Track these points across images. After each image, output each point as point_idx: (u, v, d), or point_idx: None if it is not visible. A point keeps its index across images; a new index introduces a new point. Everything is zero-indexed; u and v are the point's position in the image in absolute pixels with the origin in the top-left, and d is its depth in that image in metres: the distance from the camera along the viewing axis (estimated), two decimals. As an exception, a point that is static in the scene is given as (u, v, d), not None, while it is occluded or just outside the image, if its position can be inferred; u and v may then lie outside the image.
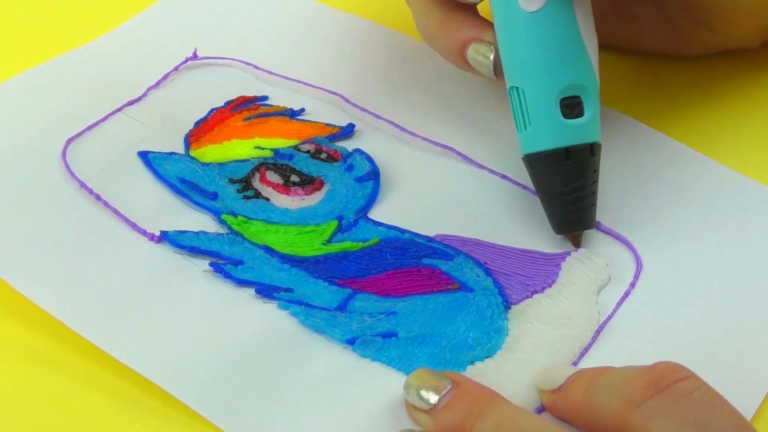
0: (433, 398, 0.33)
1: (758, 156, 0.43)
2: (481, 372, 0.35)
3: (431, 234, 0.40)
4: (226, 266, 0.38)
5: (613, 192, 0.41)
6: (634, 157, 0.43)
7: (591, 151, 0.38)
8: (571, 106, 0.37)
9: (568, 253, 0.39)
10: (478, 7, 0.40)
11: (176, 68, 0.47)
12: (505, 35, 0.38)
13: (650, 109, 0.45)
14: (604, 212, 0.40)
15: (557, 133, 0.37)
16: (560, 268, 0.38)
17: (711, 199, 0.41)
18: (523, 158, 0.39)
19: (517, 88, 0.38)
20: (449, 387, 0.33)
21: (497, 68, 0.39)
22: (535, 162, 0.38)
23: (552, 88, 0.37)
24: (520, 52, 0.37)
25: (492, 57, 0.39)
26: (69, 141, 0.43)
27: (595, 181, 0.38)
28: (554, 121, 0.37)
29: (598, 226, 0.40)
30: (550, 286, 0.38)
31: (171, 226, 0.40)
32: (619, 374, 0.31)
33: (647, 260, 0.38)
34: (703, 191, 0.41)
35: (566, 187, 0.38)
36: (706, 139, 0.44)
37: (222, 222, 0.40)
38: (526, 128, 0.38)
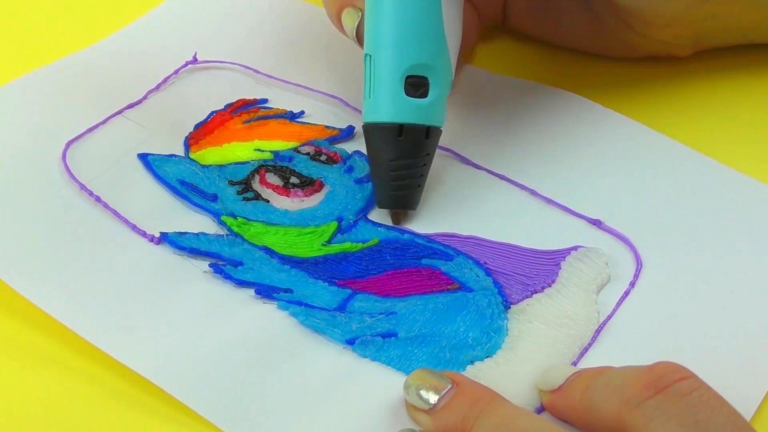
0: (432, 398, 0.33)
1: (758, 154, 0.43)
2: (480, 372, 0.35)
3: (431, 233, 0.40)
4: (225, 267, 0.38)
5: (613, 191, 0.41)
6: (633, 157, 0.43)
7: (426, 133, 0.38)
8: (416, 85, 0.38)
9: (568, 252, 0.39)
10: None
11: (176, 72, 0.47)
12: (370, 4, 0.38)
13: (649, 109, 0.45)
14: (604, 211, 0.40)
15: (395, 108, 0.38)
16: (560, 268, 0.38)
17: (711, 198, 0.41)
18: (362, 126, 0.40)
19: (370, 56, 0.38)
20: (449, 387, 0.33)
21: (359, 35, 0.40)
22: (369, 131, 0.39)
23: (399, 62, 0.38)
24: (378, 22, 0.38)
25: (356, 22, 0.40)
26: (69, 143, 0.43)
27: (426, 164, 0.39)
28: (394, 96, 0.38)
29: (598, 225, 0.40)
30: (549, 285, 0.38)
31: (171, 228, 0.40)
32: (619, 374, 0.31)
33: (647, 259, 0.38)
34: (703, 190, 0.41)
35: (393, 162, 0.38)
36: (706, 138, 0.44)
37: (222, 223, 0.40)
38: (369, 97, 0.39)
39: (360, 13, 0.40)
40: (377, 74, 0.38)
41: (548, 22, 0.47)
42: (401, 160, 0.38)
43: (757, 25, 0.45)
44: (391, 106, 0.38)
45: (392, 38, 0.38)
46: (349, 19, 0.40)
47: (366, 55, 0.39)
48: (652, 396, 0.30)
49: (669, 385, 0.30)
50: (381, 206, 0.40)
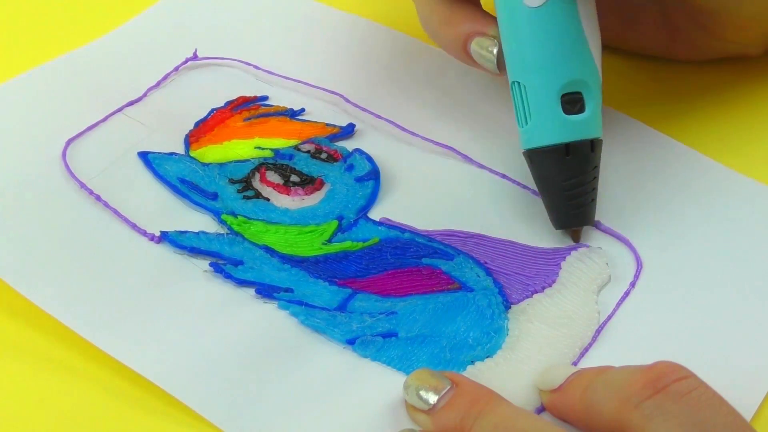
0: (432, 398, 0.33)
1: (758, 155, 0.43)
2: (481, 372, 0.35)
3: (431, 230, 0.40)
4: (226, 266, 0.38)
5: (614, 191, 0.41)
6: (634, 157, 0.43)
7: (591, 147, 0.38)
8: (572, 102, 0.37)
9: (569, 252, 0.39)
10: (482, 2, 0.40)
11: (176, 68, 0.47)
12: (508, 30, 0.38)
13: (650, 109, 0.45)
14: (604, 212, 0.40)
15: (557, 129, 0.37)
16: (560, 268, 0.38)
17: (711, 199, 0.41)
18: (523, 153, 0.39)
19: (518, 83, 0.38)
20: (448, 387, 0.33)
21: (500, 63, 0.39)
22: (535, 157, 0.38)
23: (553, 83, 0.37)
24: (521, 47, 0.37)
25: (495, 51, 0.39)
26: (69, 141, 0.43)
27: (596, 177, 0.38)
28: (555, 117, 0.37)
29: (598, 226, 0.40)
30: (550, 285, 0.38)
31: (171, 227, 0.40)
32: (618, 374, 0.31)
33: (647, 260, 0.38)
34: (703, 191, 0.41)
35: (566, 183, 0.38)
36: (706, 138, 0.44)
37: (222, 222, 0.40)
38: (527, 123, 0.38)
39: (496, 41, 0.39)
40: (531, 99, 0.37)
41: (621, 26, 0.46)
42: (573, 179, 0.38)
43: None
44: (553, 128, 0.37)
45: (541, 61, 0.37)
46: (485, 49, 0.39)
47: (513, 82, 0.38)
48: (652, 396, 0.30)
49: (668, 384, 0.30)
50: (559, 227, 0.39)
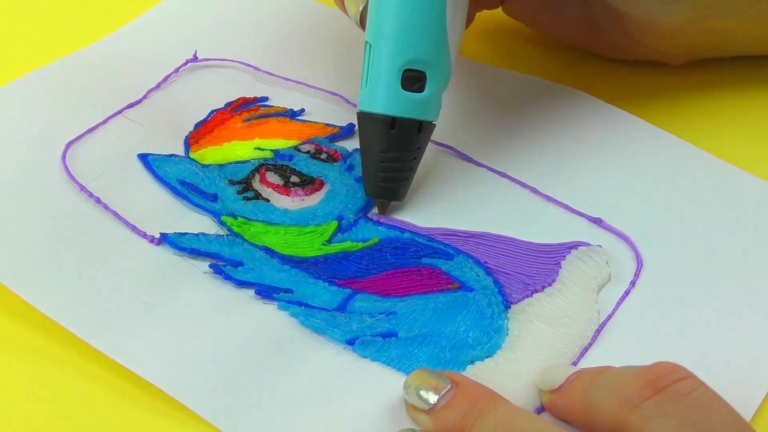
0: (432, 398, 0.33)
1: (759, 152, 0.43)
2: (480, 372, 0.35)
3: (431, 227, 0.40)
4: (226, 268, 0.38)
5: (614, 189, 0.41)
6: (634, 155, 0.43)
7: (419, 128, 0.38)
8: (413, 79, 0.38)
9: (569, 251, 0.39)
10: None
11: (176, 70, 0.47)
12: None
13: (650, 106, 0.45)
14: (604, 210, 0.40)
15: (389, 101, 0.38)
16: (560, 267, 0.38)
17: (712, 196, 0.41)
18: (356, 113, 0.40)
19: (370, 44, 0.38)
20: (449, 387, 0.33)
21: (363, 19, 0.40)
22: (362, 120, 0.39)
23: (398, 55, 0.38)
24: (380, 11, 0.38)
25: (361, 7, 0.40)
26: (69, 144, 0.43)
27: (416, 158, 0.39)
28: (390, 88, 0.38)
29: (598, 224, 0.40)
30: (550, 285, 0.37)
31: (171, 228, 0.40)
32: (618, 374, 0.31)
33: (648, 258, 0.38)
34: (703, 188, 0.41)
35: (384, 155, 0.39)
36: (706, 135, 0.44)
37: (222, 223, 0.40)
38: (365, 86, 0.39)
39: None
40: (375, 64, 0.38)
41: (545, 15, 0.47)
42: (391, 153, 0.39)
43: (754, 40, 0.45)
44: (385, 99, 0.38)
45: (393, 30, 0.38)
46: (353, 3, 0.40)
47: (366, 42, 0.39)
48: (651, 396, 0.30)
49: (668, 385, 0.30)
50: (368, 195, 0.40)
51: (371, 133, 0.39)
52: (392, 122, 0.38)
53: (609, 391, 0.31)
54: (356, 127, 0.44)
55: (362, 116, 0.39)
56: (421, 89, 0.38)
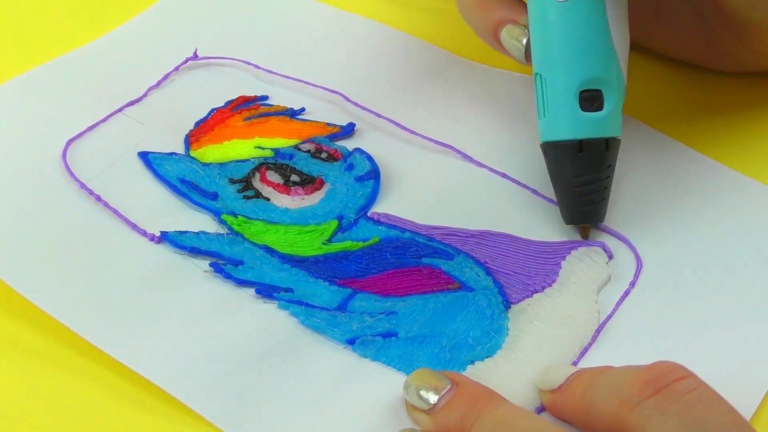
0: (432, 398, 0.33)
1: (759, 155, 0.43)
2: (481, 372, 0.35)
3: (433, 225, 0.40)
4: (226, 266, 0.38)
5: (614, 191, 0.41)
6: (634, 157, 0.43)
7: (606, 145, 0.38)
8: (591, 99, 0.37)
9: (569, 251, 0.39)
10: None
11: (177, 68, 0.47)
12: (536, 22, 0.38)
13: (651, 108, 0.45)
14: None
15: (572, 125, 0.38)
16: (560, 267, 0.38)
17: (711, 198, 0.41)
18: (540, 145, 0.39)
19: (540, 75, 0.38)
20: (449, 387, 0.33)
21: (528, 53, 0.39)
22: (549, 150, 0.39)
23: (572, 78, 0.37)
24: (546, 39, 0.38)
25: (524, 42, 0.39)
26: (69, 142, 0.43)
27: (609, 176, 0.39)
28: (571, 112, 0.38)
29: (597, 225, 0.40)
30: (550, 285, 0.38)
31: (171, 227, 0.40)
32: (618, 374, 0.31)
33: (647, 259, 0.38)
34: (703, 190, 0.41)
35: (577, 179, 0.38)
36: (706, 138, 0.44)
37: (222, 222, 0.40)
38: (544, 116, 0.38)
39: (526, 31, 0.39)
40: (550, 93, 0.38)
41: (660, 33, 0.46)
42: (584, 176, 0.38)
43: None
44: (568, 124, 0.38)
45: (563, 55, 0.37)
46: (515, 38, 0.39)
47: (536, 74, 0.38)
48: (651, 395, 0.30)
49: (668, 384, 0.30)
50: (568, 222, 0.39)
51: (561, 161, 0.38)
52: (579, 145, 0.38)
53: (609, 390, 0.31)
54: (357, 131, 0.44)
55: (548, 146, 0.38)
56: (600, 107, 0.38)
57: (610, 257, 0.39)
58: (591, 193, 0.38)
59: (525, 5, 0.39)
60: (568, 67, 0.37)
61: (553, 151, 0.38)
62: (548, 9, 0.37)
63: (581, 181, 0.38)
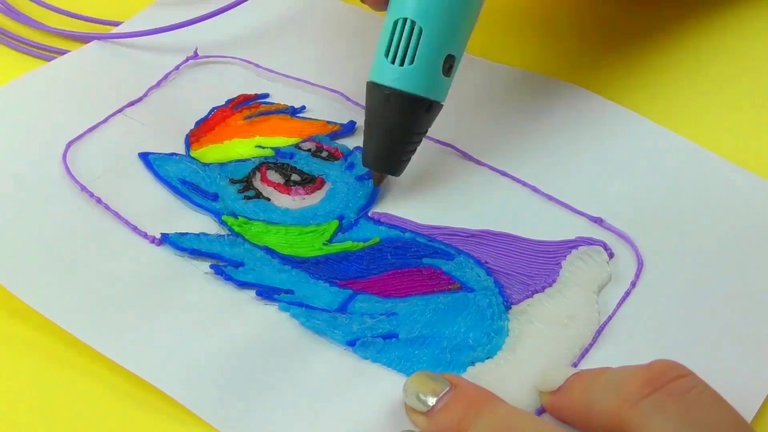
0: (430, 400, 0.33)
1: (762, 151, 0.43)
2: (481, 373, 0.35)
3: (434, 224, 0.40)
4: (226, 268, 0.38)
5: (615, 189, 0.41)
6: (636, 154, 0.42)
7: (438, 110, 0.39)
8: (449, 65, 0.38)
9: (569, 251, 0.38)
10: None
11: (177, 67, 0.47)
12: None
13: (653, 103, 0.45)
14: (605, 210, 0.40)
15: (433, 85, 0.38)
16: (561, 267, 0.38)
17: (713, 196, 0.40)
18: (378, 86, 0.39)
19: (414, 23, 0.38)
20: (447, 389, 0.33)
21: None
22: (396, 99, 0.38)
23: (448, 41, 0.38)
24: None
25: None
26: (69, 144, 0.43)
27: (421, 139, 0.40)
28: (435, 72, 0.38)
29: (600, 224, 0.40)
30: (550, 285, 0.37)
31: (172, 228, 0.40)
32: (617, 373, 0.31)
33: (648, 259, 0.38)
34: (705, 188, 0.41)
35: (416, 135, 0.39)
36: (710, 133, 0.43)
37: (223, 223, 0.40)
38: (403, 64, 0.38)
39: None
40: (423, 46, 0.38)
41: None
42: (421, 134, 0.39)
43: None
44: (430, 83, 0.38)
45: (448, 17, 0.38)
46: None
47: (403, 19, 0.38)
48: (650, 394, 0.30)
49: (667, 382, 0.30)
50: (375, 169, 0.40)
51: (404, 113, 0.38)
52: (429, 105, 0.38)
53: (608, 389, 0.31)
54: (357, 129, 0.44)
55: (396, 95, 0.38)
56: (449, 73, 0.39)
57: (611, 256, 0.38)
58: (411, 151, 0.40)
59: None
60: (449, 29, 0.38)
61: (400, 101, 0.38)
62: None
63: (415, 137, 0.39)
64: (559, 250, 0.39)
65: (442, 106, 0.39)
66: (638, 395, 0.30)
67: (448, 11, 0.37)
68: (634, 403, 0.30)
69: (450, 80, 0.39)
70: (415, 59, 0.38)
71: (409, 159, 0.40)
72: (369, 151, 0.40)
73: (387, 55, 0.38)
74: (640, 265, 0.38)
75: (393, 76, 0.38)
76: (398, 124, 0.39)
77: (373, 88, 0.39)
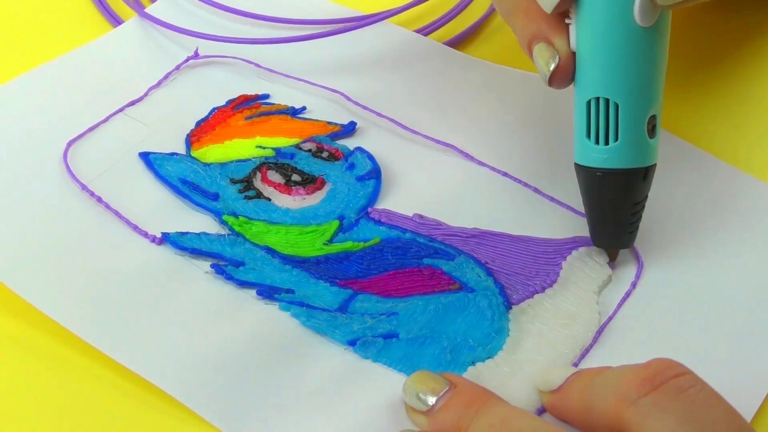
0: (430, 399, 0.33)
1: (760, 153, 0.43)
2: (481, 373, 0.35)
3: (433, 224, 0.40)
4: (227, 268, 0.38)
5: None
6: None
7: (653, 171, 0.37)
8: (651, 125, 0.36)
9: (569, 252, 0.39)
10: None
11: (178, 67, 0.47)
12: (610, 45, 0.35)
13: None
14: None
15: (643, 153, 0.36)
16: (561, 268, 0.38)
17: (714, 198, 0.41)
18: (589, 169, 0.37)
19: (607, 100, 0.36)
20: (447, 389, 0.33)
21: (555, 77, 0.37)
22: (610, 178, 0.37)
23: (647, 106, 0.36)
24: (624, 65, 0.35)
25: (552, 67, 0.37)
26: (70, 143, 0.43)
27: (645, 203, 0.38)
28: (642, 141, 0.36)
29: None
30: (551, 285, 0.38)
31: (172, 228, 0.40)
32: (616, 373, 0.31)
33: (648, 260, 0.38)
34: (704, 189, 0.41)
35: (636, 205, 0.37)
36: (709, 136, 0.44)
37: (223, 223, 0.40)
38: (609, 143, 0.36)
39: (557, 56, 0.36)
40: (623, 120, 0.36)
41: None
42: (640, 202, 0.37)
43: None
44: (640, 152, 0.36)
45: (642, 81, 0.36)
46: (543, 60, 0.37)
47: (598, 99, 0.36)
48: (649, 393, 0.30)
49: (665, 381, 0.30)
50: (607, 247, 0.39)
51: (623, 188, 0.37)
52: (645, 173, 0.37)
53: (607, 389, 0.31)
54: (358, 130, 0.44)
55: (611, 174, 0.37)
56: (655, 134, 0.37)
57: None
58: (636, 219, 0.38)
59: (564, 25, 0.37)
60: (645, 93, 0.36)
61: (618, 178, 0.37)
62: (628, 34, 0.35)
63: (639, 207, 0.37)
64: (560, 250, 0.39)
65: (655, 165, 0.37)
66: (636, 394, 0.30)
67: (636, 80, 0.36)
68: (633, 402, 0.30)
69: (657, 139, 0.37)
70: (619, 136, 0.36)
71: (637, 228, 0.38)
72: (598, 232, 0.38)
73: (589, 137, 0.37)
74: (641, 266, 0.38)
75: (602, 157, 0.37)
76: (619, 200, 0.37)
77: (583, 170, 0.37)
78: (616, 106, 0.36)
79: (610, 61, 0.36)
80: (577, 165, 0.38)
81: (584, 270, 0.38)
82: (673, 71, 0.47)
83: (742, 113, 0.45)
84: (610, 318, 0.37)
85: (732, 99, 0.46)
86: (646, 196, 0.37)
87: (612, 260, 0.39)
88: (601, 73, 0.36)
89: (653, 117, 0.36)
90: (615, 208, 0.37)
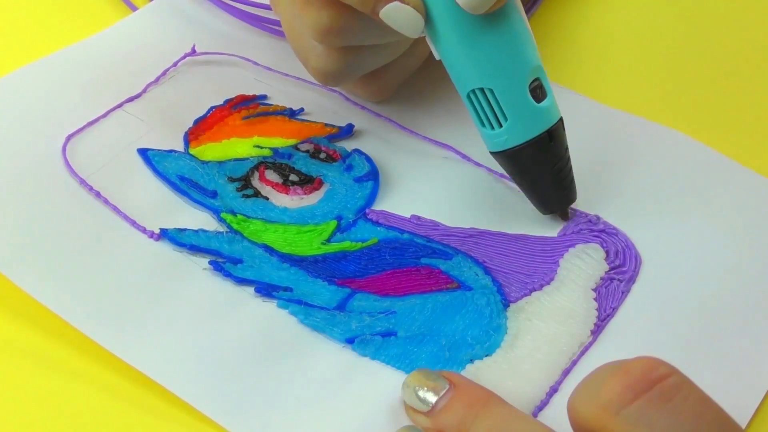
0: (431, 398, 0.33)
1: (760, 147, 0.43)
2: (480, 371, 0.35)
3: (430, 224, 0.40)
4: (225, 265, 0.38)
5: (612, 186, 0.41)
6: (632, 151, 0.43)
7: (562, 125, 0.38)
8: (536, 90, 0.37)
9: (566, 249, 0.39)
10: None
11: (175, 64, 0.47)
12: (461, 42, 0.36)
13: (649, 103, 0.45)
14: (603, 207, 0.40)
15: (537, 120, 0.37)
16: (558, 265, 0.38)
17: (711, 193, 0.41)
18: (500, 153, 0.38)
19: (482, 89, 0.37)
20: (447, 388, 0.33)
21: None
22: (519, 153, 0.38)
23: (522, 79, 0.37)
24: (482, 54, 0.36)
25: (421, 28, 0.36)
26: (69, 137, 0.43)
27: (569, 155, 0.39)
28: (531, 110, 0.37)
29: (597, 221, 0.40)
30: (548, 283, 0.38)
31: (170, 224, 0.39)
32: (596, 376, 0.29)
33: (646, 256, 0.39)
34: (703, 185, 0.41)
35: (554, 168, 0.38)
36: (708, 130, 0.44)
37: (221, 220, 0.40)
38: (501, 125, 0.37)
39: (422, 18, 0.36)
40: (503, 101, 0.37)
41: None
42: (559, 162, 0.38)
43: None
44: (533, 121, 0.37)
45: (506, 61, 0.36)
46: (400, 16, 0.36)
47: (473, 90, 0.37)
48: (633, 401, 0.27)
49: (650, 386, 0.28)
50: (551, 212, 0.39)
51: (534, 158, 0.38)
52: (549, 136, 0.37)
53: (588, 394, 0.29)
54: (356, 132, 0.44)
55: (516, 151, 0.38)
56: (544, 94, 0.37)
57: (608, 254, 0.39)
58: (566, 176, 0.39)
59: None
60: (515, 70, 0.37)
61: (525, 152, 0.38)
62: (473, 25, 0.36)
63: (557, 168, 0.38)
64: (557, 248, 0.39)
65: (561, 119, 0.38)
66: (620, 402, 0.27)
67: (498, 62, 0.36)
68: (616, 412, 0.28)
69: (549, 98, 0.37)
70: (507, 115, 0.37)
71: (572, 177, 0.39)
72: (540, 201, 0.39)
73: (484, 125, 0.38)
74: (639, 263, 0.38)
75: (503, 139, 0.38)
76: (541, 168, 0.38)
77: (496, 156, 0.39)
78: (491, 91, 0.37)
79: (466, 53, 0.37)
80: (493, 154, 0.39)
81: (581, 267, 0.38)
82: (673, 66, 0.47)
83: (743, 106, 0.45)
84: (609, 315, 0.37)
85: (733, 91, 0.46)
86: (567, 148, 0.38)
87: (565, 219, 0.40)
88: (463, 67, 0.37)
89: (534, 81, 0.37)
90: (542, 176, 0.38)
